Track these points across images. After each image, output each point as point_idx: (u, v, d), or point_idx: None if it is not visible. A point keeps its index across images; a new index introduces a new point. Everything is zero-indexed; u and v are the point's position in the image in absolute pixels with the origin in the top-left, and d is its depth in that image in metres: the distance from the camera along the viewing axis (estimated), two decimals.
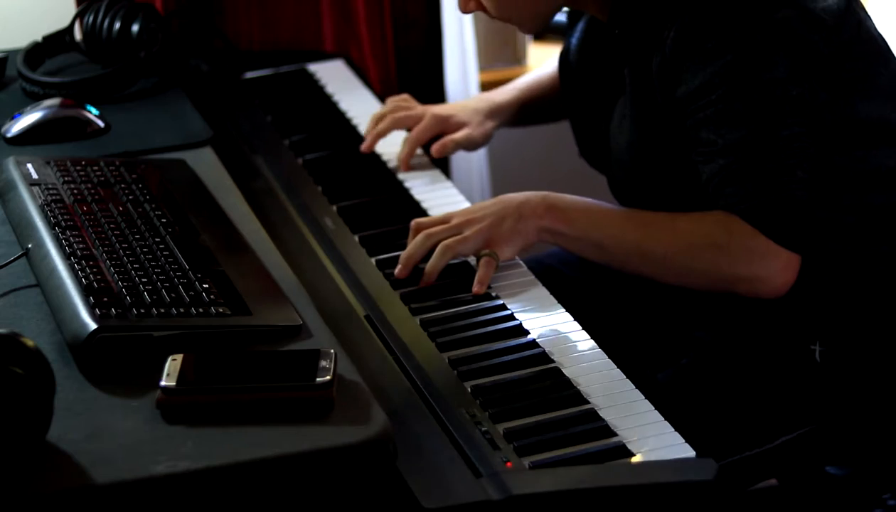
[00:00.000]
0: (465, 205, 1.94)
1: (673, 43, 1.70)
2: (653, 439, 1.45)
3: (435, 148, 2.06)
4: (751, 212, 1.69)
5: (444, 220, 1.78)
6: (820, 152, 1.71)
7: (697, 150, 1.71)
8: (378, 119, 2.10)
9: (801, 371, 1.80)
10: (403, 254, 1.76)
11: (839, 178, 1.75)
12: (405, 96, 2.15)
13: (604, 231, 1.74)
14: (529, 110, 2.15)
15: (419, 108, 2.11)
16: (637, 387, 1.54)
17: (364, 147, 2.08)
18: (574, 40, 1.98)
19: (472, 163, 2.71)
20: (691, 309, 2.00)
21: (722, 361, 1.82)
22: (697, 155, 1.72)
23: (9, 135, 2.02)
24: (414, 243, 1.76)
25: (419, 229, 1.78)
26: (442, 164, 2.10)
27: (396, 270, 1.75)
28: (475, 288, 1.72)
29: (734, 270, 1.70)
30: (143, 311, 1.48)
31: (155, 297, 1.51)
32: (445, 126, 2.08)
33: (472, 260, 1.78)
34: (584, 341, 1.62)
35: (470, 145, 2.09)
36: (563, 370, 1.56)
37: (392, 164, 2.07)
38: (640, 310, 2.04)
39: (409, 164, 2.06)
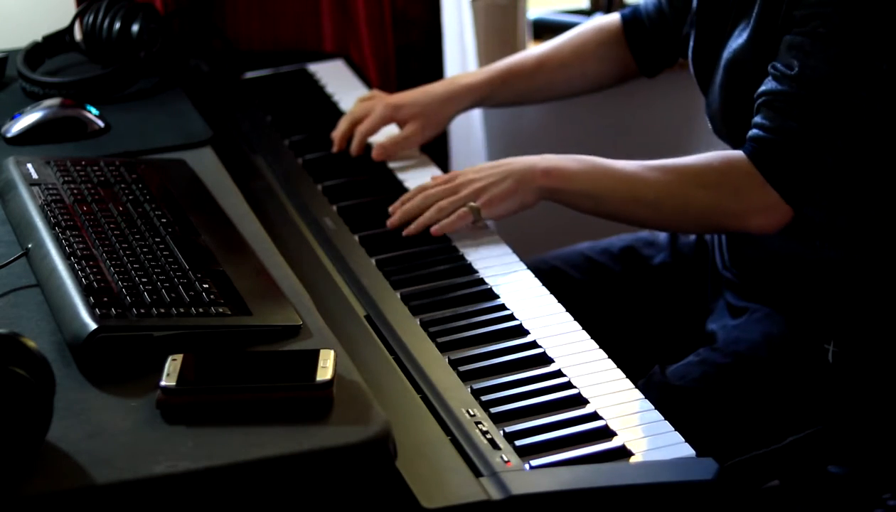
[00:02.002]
0: None
1: None
2: (653, 439, 1.45)
3: (375, 152, 2.06)
4: (767, 143, 1.72)
5: (447, 180, 1.86)
6: (874, 132, 1.73)
7: (773, 66, 1.73)
8: (343, 138, 2.10)
9: (812, 371, 1.80)
10: (402, 207, 1.85)
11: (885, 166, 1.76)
12: (373, 93, 2.15)
13: (599, 184, 1.80)
14: (503, 91, 2.13)
15: (376, 100, 2.11)
16: (642, 388, 1.54)
17: (335, 150, 2.09)
18: None
19: (472, 160, 2.71)
20: (702, 309, 2.00)
21: (734, 358, 1.82)
22: (771, 69, 1.73)
23: (9, 135, 2.02)
24: (412, 201, 1.85)
25: (420, 191, 1.86)
26: (442, 163, 2.10)
27: (389, 221, 1.85)
28: (433, 229, 1.81)
29: (723, 205, 1.76)
30: (143, 311, 1.48)
31: (155, 297, 1.51)
32: (396, 116, 2.08)
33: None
34: (584, 341, 1.62)
35: (413, 142, 2.08)
36: (564, 371, 1.56)
37: (392, 164, 2.07)
38: (645, 312, 2.04)
39: (360, 151, 2.06)
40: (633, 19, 2.10)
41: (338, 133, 2.09)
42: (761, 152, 1.73)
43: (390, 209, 1.88)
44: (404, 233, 1.84)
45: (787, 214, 1.74)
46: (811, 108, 1.70)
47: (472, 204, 1.81)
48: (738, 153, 1.75)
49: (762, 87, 1.74)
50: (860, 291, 1.82)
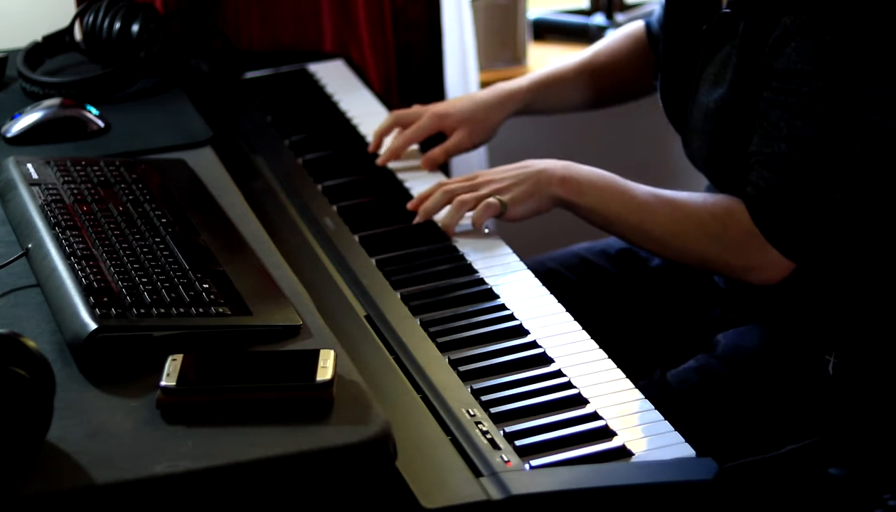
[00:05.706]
0: None
1: (801, 20, 1.69)
2: (653, 439, 1.45)
3: (424, 162, 2.05)
4: (765, 204, 1.72)
5: (466, 178, 1.87)
6: (873, 179, 1.72)
7: (761, 124, 1.74)
8: (383, 133, 2.09)
9: (812, 382, 1.79)
10: (423, 206, 1.86)
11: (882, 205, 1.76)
12: (415, 109, 2.12)
13: (610, 207, 1.81)
14: (545, 98, 2.13)
15: (423, 110, 2.09)
16: (641, 388, 1.54)
17: (380, 162, 2.06)
18: None
19: (473, 163, 2.71)
20: (700, 312, 1.99)
21: (734, 366, 1.82)
22: (759, 127, 1.74)
23: (9, 135, 2.02)
24: (433, 197, 1.86)
25: (441, 186, 1.86)
26: (442, 165, 2.10)
27: (415, 220, 1.86)
28: (474, 221, 1.82)
29: (724, 259, 1.77)
30: (143, 311, 1.48)
31: (155, 297, 1.51)
32: (442, 124, 2.07)
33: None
34: (584, 341, 1.62)
35: (461, 149, 2.07)
36: (564, 371, 1.56)
37: (392, 164, 2.07)
38: (643, 314, 2.04)
39: (398, 155, 2.05)
40: (651, 27, 2.10)
41: (392, 146, 2.06)
42: (759, 212, 1.73)
43: (409, 205, 1.88)
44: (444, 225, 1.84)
45: (787, 269, 1.75)
46: (804, 168, 1.70)
47: (499, 197, 1.82)
48: (739, 205, 1.75)
49: (754, 145, 1.74)
50: (864, 306, 1.81)
